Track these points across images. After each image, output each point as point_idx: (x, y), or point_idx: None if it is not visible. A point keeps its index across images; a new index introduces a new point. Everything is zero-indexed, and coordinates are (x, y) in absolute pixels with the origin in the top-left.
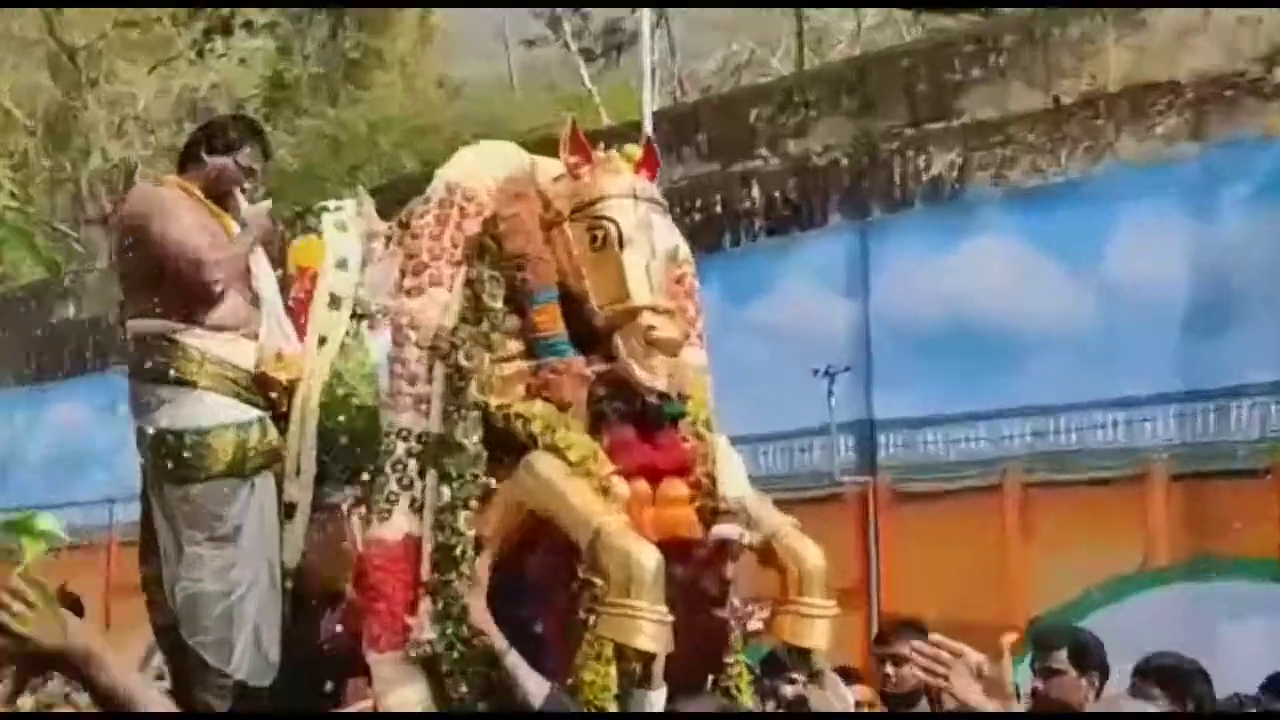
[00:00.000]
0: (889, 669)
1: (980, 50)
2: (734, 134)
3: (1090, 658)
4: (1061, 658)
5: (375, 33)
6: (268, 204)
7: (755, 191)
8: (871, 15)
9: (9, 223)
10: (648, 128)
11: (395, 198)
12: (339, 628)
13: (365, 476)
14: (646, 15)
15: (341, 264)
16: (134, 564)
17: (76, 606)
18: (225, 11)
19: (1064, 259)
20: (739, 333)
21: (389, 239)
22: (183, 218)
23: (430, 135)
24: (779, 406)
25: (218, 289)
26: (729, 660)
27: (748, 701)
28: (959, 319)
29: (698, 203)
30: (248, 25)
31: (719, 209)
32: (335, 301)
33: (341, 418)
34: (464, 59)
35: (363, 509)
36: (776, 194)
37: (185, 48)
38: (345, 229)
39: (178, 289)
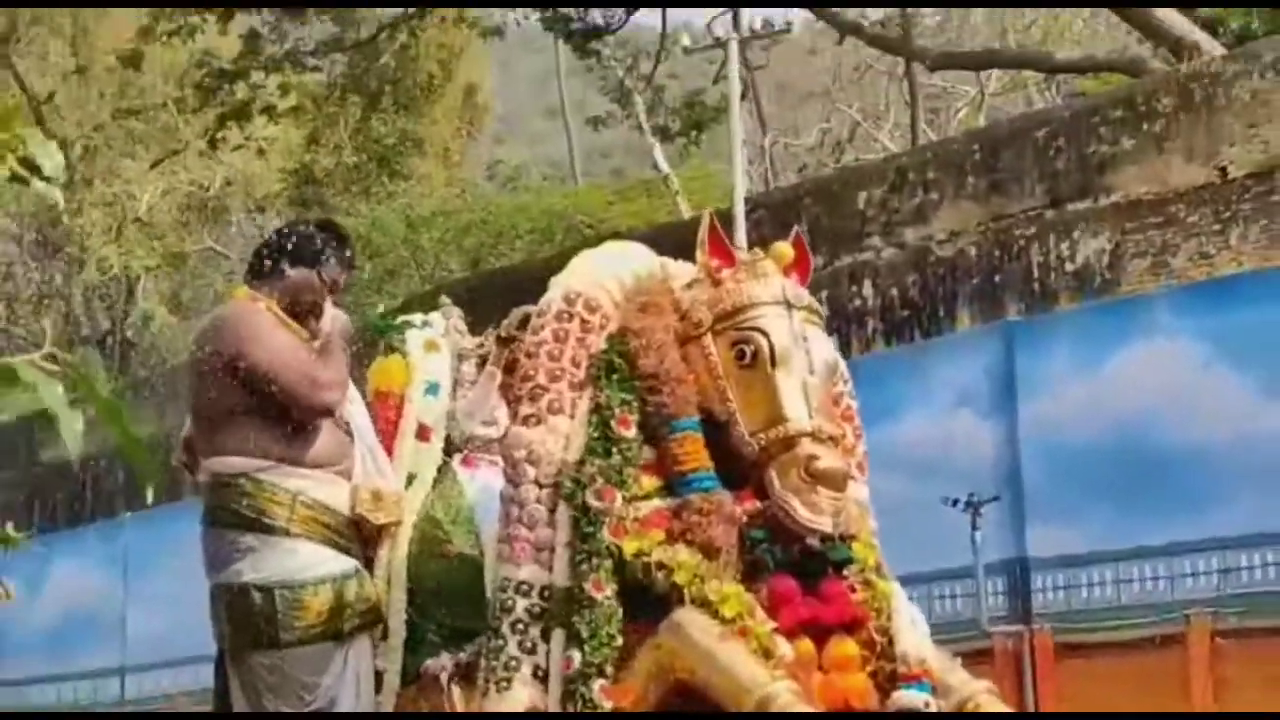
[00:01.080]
0: None
1: (1130, 116)
2: (839, 221)
3: None
4: None
5: (415, 116)
6: (344, 316)
7: (868, 289)
8: (996, 79)
9: None
10: (740, 218)
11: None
12: None
13: (478, 640)
14: (734, 85)
15: (431, 389)
16: None
17: None
18: (241, 94)
19: (1245, 366)
20: None
21: (482, 359)
22: (279, 337)
23: (478, 232)
24: (913, 545)
25: (335, 412)
26: None
27: None
28: (1124, 438)
29: None
30: (268, 110)
31: (826, 310)
32: (424, 433)
33: (435, 569)
34: (516, 143)
35: (465, 679)
36: (893, 291)
37: (194, 138)
38: (435, 349)
39: (276, 421)
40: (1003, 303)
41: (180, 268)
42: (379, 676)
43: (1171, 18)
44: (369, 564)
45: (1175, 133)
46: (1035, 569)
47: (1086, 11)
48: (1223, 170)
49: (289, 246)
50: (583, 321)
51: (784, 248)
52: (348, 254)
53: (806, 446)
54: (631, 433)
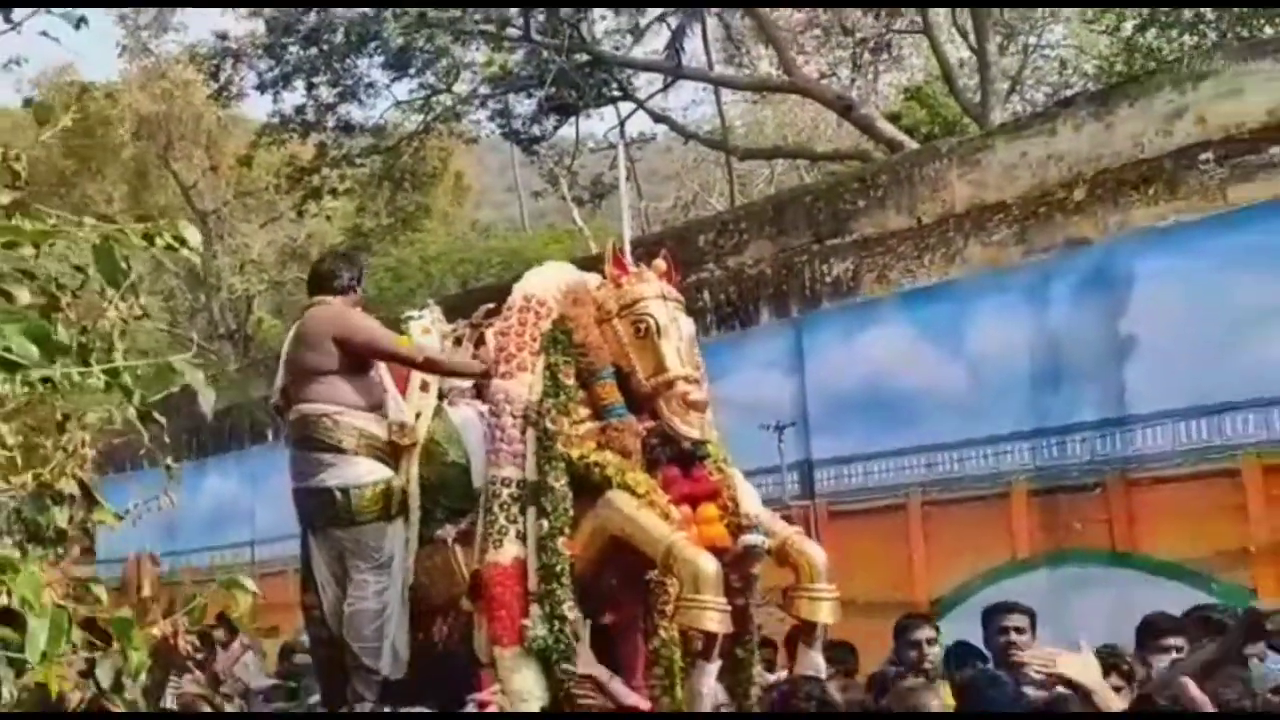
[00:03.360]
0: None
1: (863, 187)
2: (687, 254)
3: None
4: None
5: (424, 193)
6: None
7: (706, 297)
8: (780, 164)
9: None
10: (627, 253)
11: (446, 310)
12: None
13: (469, 516)
14: (621, 171)
15: None
16: (272, 590)
17: (233, 626)
18: (316, 181)
19: (937, 340)
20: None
21: (459, 338)
22: (374, 321)
23: (466, 265)
24: (742, 453)
25: (420, 361)
26: (746, 638)
27: (755, 665)
28: (867, 385)
29: None
30: (333, 191)
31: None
32: (425, 386)
33: (438, 471)
34: (487, 208)
35: (462, 542)
36: (722, 298)
37: (287, 209)
38: (429, 332)
39: (349, 378)
40: (789, 305)
41: (279, 290)
42: (405, 542)
43: (885, 125)
44: (398, 471)
45: (889, 196)
46: (816, 466)
47: (832, 118)
48: (918, 219)
49: (358, 273)
50: (536, 312)
51: (660, 263)
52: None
53: (681, 385)
54: (572, 381)
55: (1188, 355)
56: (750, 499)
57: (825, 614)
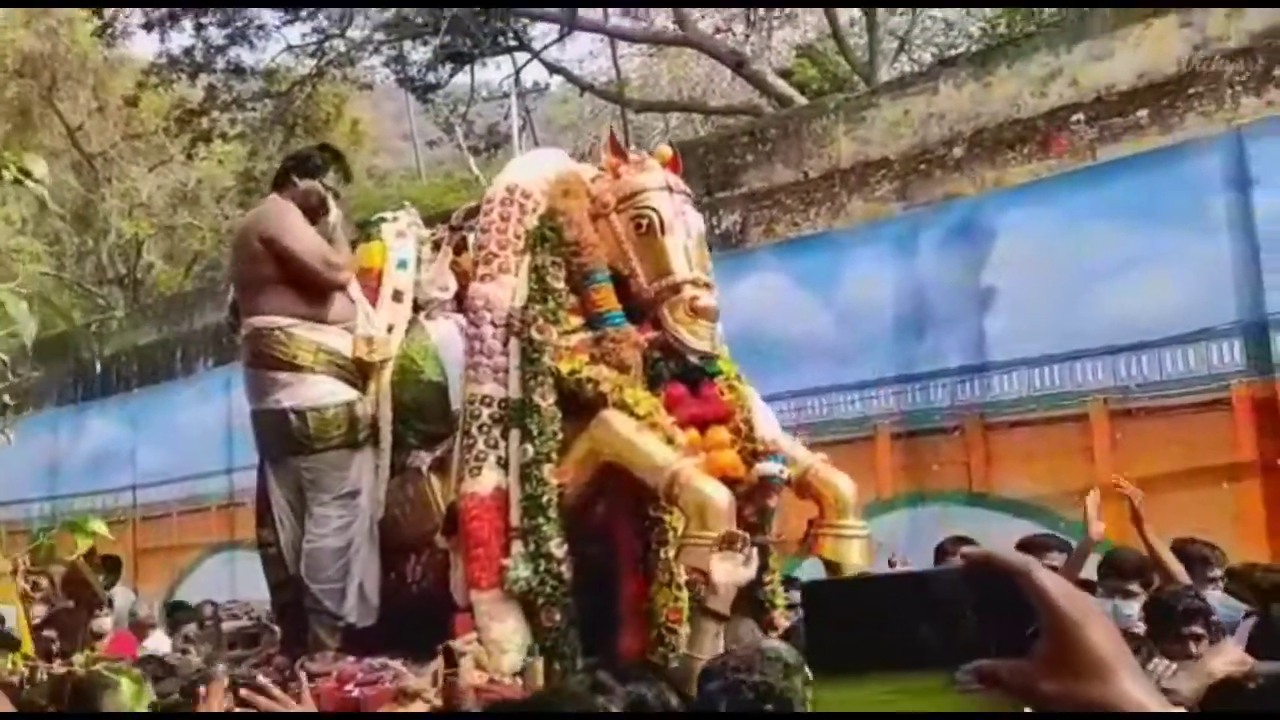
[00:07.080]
0: None
1: (752, 141)
2: None
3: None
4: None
5: (319, 137)
6: (340, 213)
7: None
8: (676, 119)
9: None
10: None
11: None
12: (424, 573)
13: (446, 442)
14: (514, 120)
15: (401, 264)
16: (154, 534)
17: (117, 566)
18: (206, 125)
19: (814, 288)
20: None
21: (437, 242)
22: (306, 229)
23: (360, 212)
24: None
25: (345, 287)
26: (767, 578)
27: (781, 609)
28: (746, 332)
29: None
30: (223, 135)
31: None
32: (398, 296)
33: (413, 391)
34: (384, 155)
35: (438, 470)
36: None
37: (177, 153)
38: (403, 235)
39: (303, 289)
40: None
41: (170, 235)
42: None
43: (777, 81)
44: (366, 392)
45: (777, 150)
46: None
47: (726, 73)
48: (805, 173)
49: (296, 164)
50: (520, 205)
51: (664, 149)
52: (342, 168)
53: (689, 290)
54: (561, 285)
55: (1043, 305)
56: (767, 422)
57: (855, 554)
